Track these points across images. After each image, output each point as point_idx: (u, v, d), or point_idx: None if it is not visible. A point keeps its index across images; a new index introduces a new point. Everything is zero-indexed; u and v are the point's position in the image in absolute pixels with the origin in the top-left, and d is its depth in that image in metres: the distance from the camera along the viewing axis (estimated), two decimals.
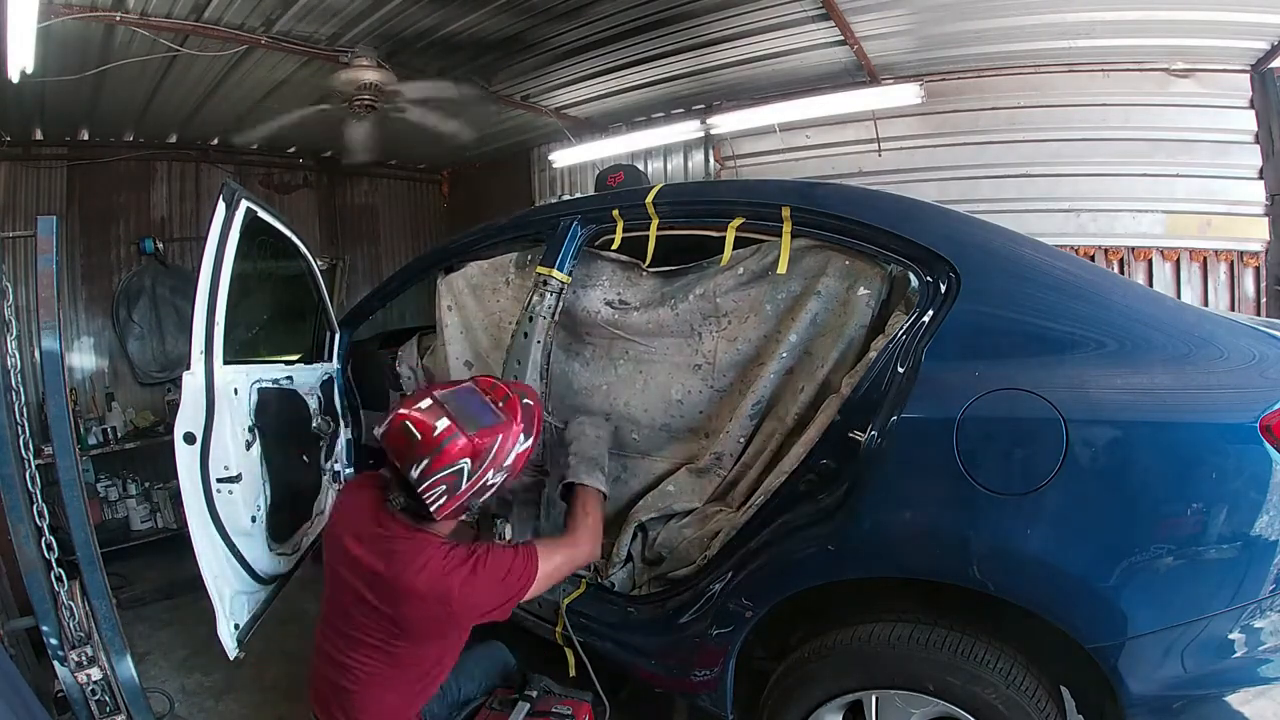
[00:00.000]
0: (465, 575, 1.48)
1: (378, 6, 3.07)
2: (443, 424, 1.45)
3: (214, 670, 2.65)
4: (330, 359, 2.68)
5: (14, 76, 2.55)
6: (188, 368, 1.81)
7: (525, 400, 1.60)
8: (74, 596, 1.79)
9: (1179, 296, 3.46)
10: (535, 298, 2.08)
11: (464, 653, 1.71)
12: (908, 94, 3.63)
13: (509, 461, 1.52)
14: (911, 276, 1.58)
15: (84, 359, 4.61)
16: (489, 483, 1.51)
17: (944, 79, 3.83)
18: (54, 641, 1.75)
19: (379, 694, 1.56)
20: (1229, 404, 1.28)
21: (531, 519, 2.16)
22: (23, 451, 1.79)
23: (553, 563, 1.61)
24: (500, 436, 1.50)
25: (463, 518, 1.70)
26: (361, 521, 1.58)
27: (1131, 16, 3.05)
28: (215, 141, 5.04)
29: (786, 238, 1.78)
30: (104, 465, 4.42)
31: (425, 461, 1.44)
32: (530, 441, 1.58)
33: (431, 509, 1.47)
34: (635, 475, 2.13)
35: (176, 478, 1.82)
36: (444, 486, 1.45)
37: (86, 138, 4.52)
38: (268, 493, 2.08)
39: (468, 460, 1.46)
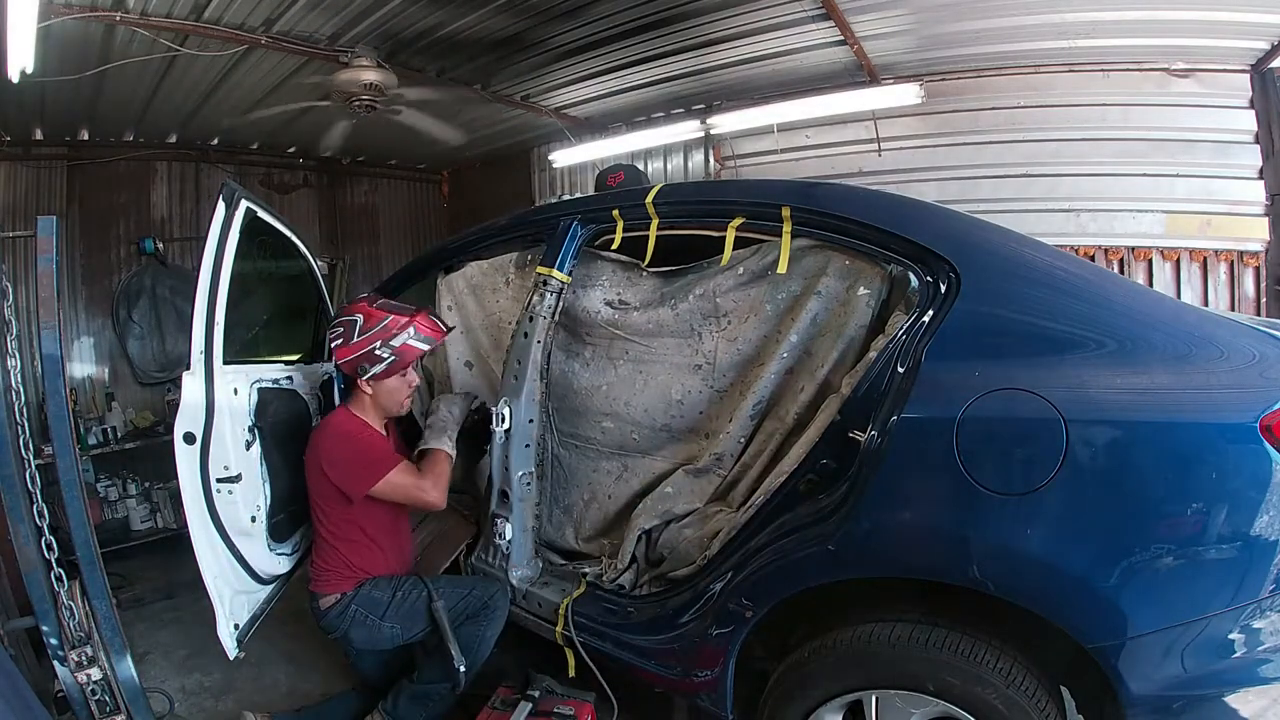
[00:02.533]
0: (334, 437, 2.01)
1: (377, 6, 3.07)
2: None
3: (214, 670, 2.64)
4: (330, 359, 2.68)
5: (14, 76, 2.55)
6: (188, 368, 1.80)
7: (434, 318, 2.09)
8: (74, 596, 1.78)
9: (1179, 296, 3.46)
10: (535, 298, 2.08)
11: (460, 580, 2.18)
12: (908, 94, 3.63)
13: (396, 343, 1.99)
14: (911, 276, 1.58)
15: (84, 359, 4.61)
16: (376, 351, 1.98)
17: (944, 79, 3.83)
18: (54, 641, 1.74)
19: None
20: (1229, 404, 1.28)
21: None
22: (23, 451, 1.79)
23: (404, 480, 1.99)
24: (392, 318, 2.00)
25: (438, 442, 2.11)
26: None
27: (1131, 16, 3.05)
28: (215, 141, 5.05)
29: (786, 238, 1.78)
30: (104, 465, 4.42)
31: (335, 316, 2.10)
32: (423, 345, 2.04)
33: (331, 347, 2.03)
34: (635, 475, 2.13)
35: (176, 478, 1.82)
36: (340, 329, 2.02)
37: (86, 138, 4.52)
38: (268, 493, 2.08)
39: (360, 316, 2.00)
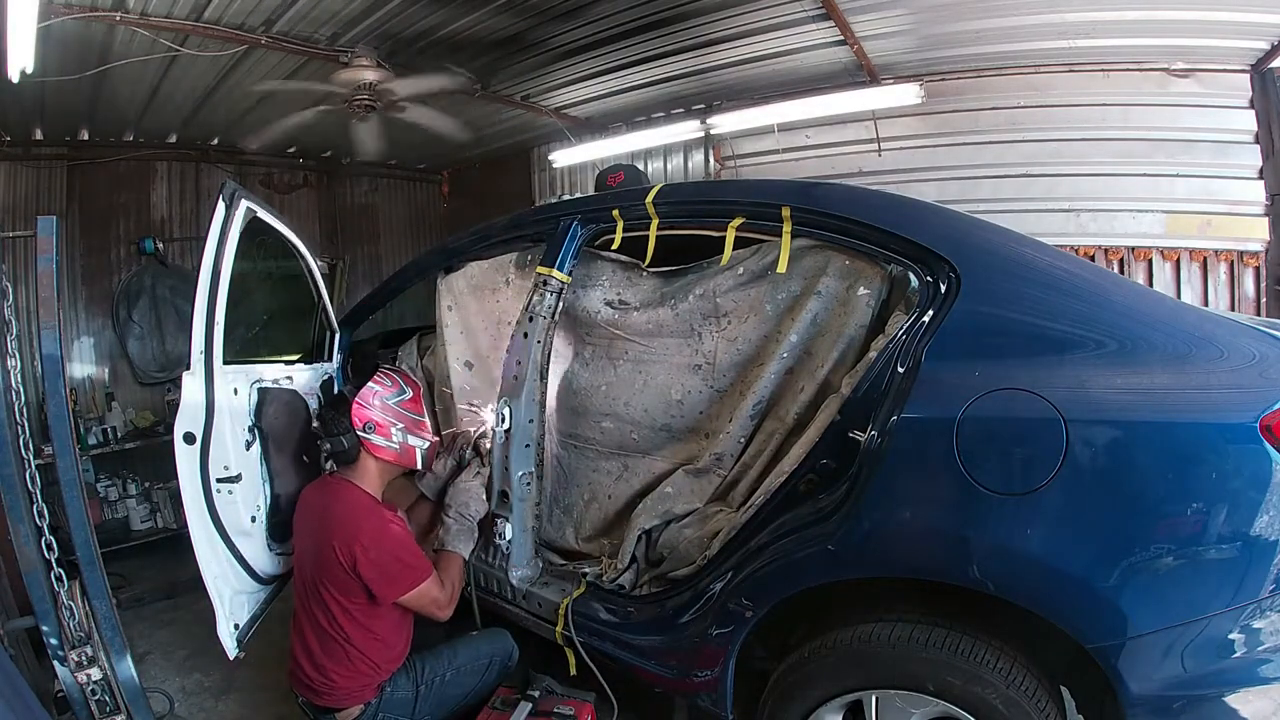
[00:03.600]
0: (375, 524, 1.83)
1: (377, 6, 3.07)
2: None
3: (214, 670, 2.64)
4: (330, 359, 2.68)
5: (14, 76, 2.55)
6: (188, 367, 1.80)
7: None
8: (74, 596, 1.79)
9: (1179, 296, 3.46)
10: (535, 298, 2.08)
11: (461, 640, 2.04)
12: (908, 94, 3.63)
13: (392, 402, 1.99)
14: (911, 276, 1.58)
15: (84, 359, 4.61)
16: (374, 418, 1.95)
17: (944, 79, 3.83)
18: (54, 641, 1.74)
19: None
20: (1229, 404, 1.27)
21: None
22: (23, 451, 1.79)
23: (433, 592, 1.88)
24: (374, 389, 1.98)
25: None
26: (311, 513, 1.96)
27: (1131, 16, 3.05)
28: (215, 141, 5.05)
29: (786, 238, 1.78)
30: (104, 465, 4.42)
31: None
32: (407, 395, 2.04)
33: (370, 419, 1.93)
34: (635, 475, 2.13)
35: (176, 478, 1.82)
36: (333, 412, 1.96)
37: (86, 138, 4.52)
38: (267, 493, 2.08)
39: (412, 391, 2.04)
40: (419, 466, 2.08)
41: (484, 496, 2.15)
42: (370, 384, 1.99)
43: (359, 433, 1.92)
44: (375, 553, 1.79)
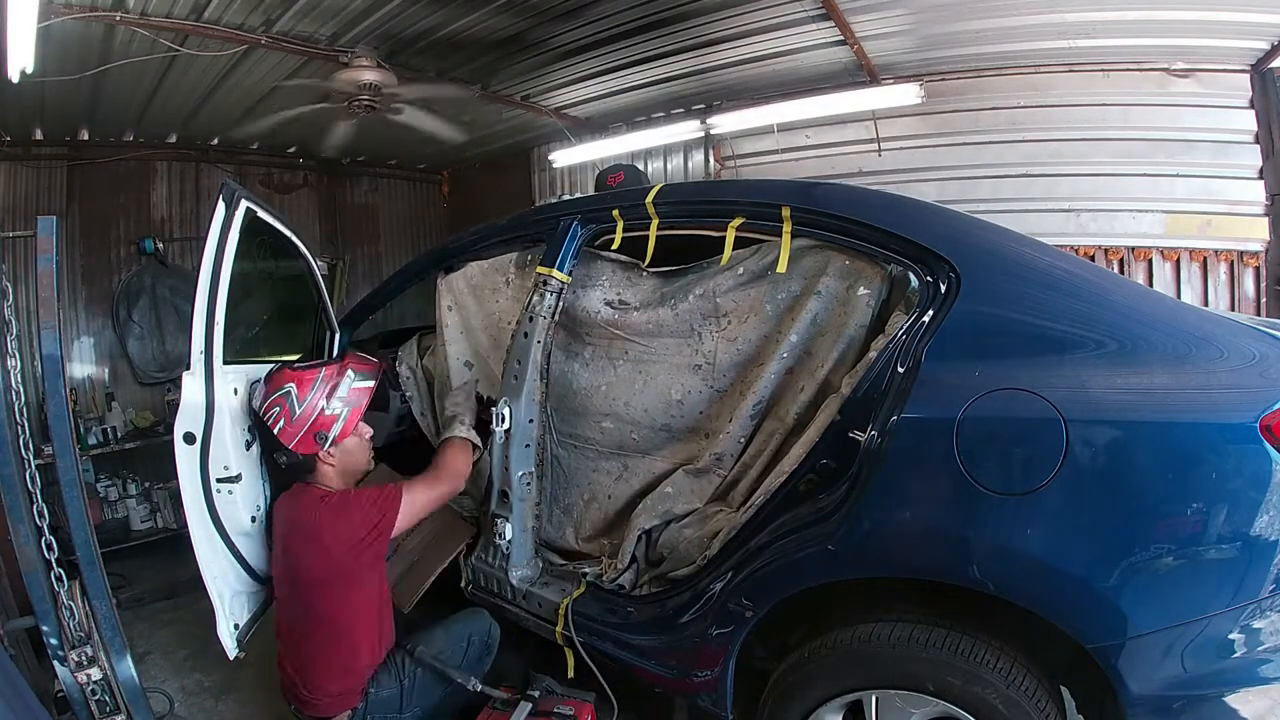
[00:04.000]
0: (334, 508, 1.78)
1: (378, 6, 3.07)
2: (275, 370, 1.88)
3: (214, 670, 2.64)
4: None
5: (14, 76, 2.55)
6: (188, 368, 1.80)
7: (361, 355, 2.01)
8: (74, 596, 1.78)
9: (1179, 296, 3.46)
10: (535, 298, 2.08)
11: (446, 620, 2.04)
12: (908, 94, 3.63)
13: (343, 391, 1.86)
14: (911, 276, 1.58)
15: (84, 359, 4.61)
16: (326, 411, 1.83)
17: (944, 79, 3.83)
18: (54, 641, 1.74)
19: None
20: (1229, 404, 1.28)
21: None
22: (23, 451, 1.79)
23: (415, 500, 1.86)
24: (324, 369, 1.87)
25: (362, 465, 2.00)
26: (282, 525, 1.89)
27: (1131, 16, 3.05)
28: (215, 141, 5.05)
29: (786, 237, 1.78)
30: (104, 465, 4.42)
31: (263, 393, 1.85)
32: (368, 382, 1.92)
33: (275, 431, 1.80)
34: (635, 475, 2.13)
35: (176, 478, 1.82)
36: (276, 408, 1.81)
37: (86, 138, 4.52)
38: (267, 493, 2.08)
39: (291, 385, 1.82)
40: (373, 383, 1.93)
41: (471, 393, 2.22)
42: (270, 424, 1.82)
43: (323, 447, 1.84)
44: (342, 523, 1.75)
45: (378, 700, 1.87)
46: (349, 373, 1.89)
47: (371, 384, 1.93)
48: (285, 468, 1.86)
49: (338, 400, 1.85)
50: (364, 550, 1.78)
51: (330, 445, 1.85)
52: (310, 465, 1.87)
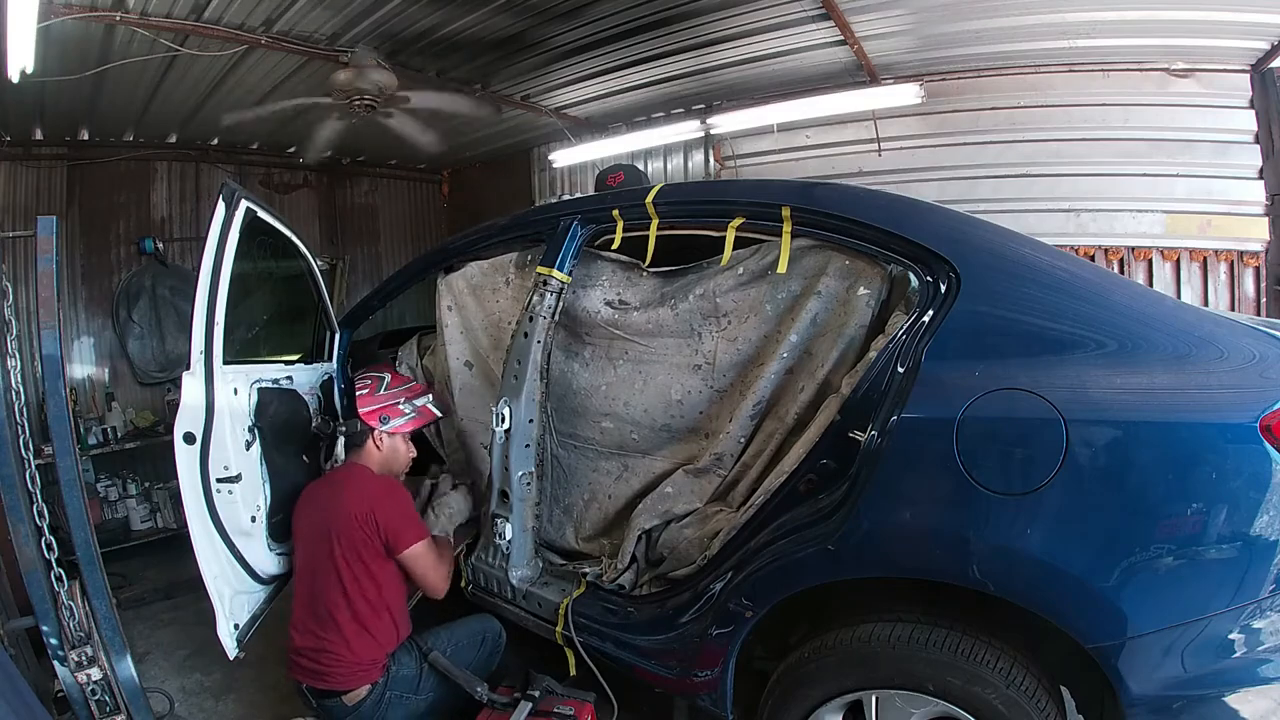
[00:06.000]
0: (390, 485, 2.02)
1: (377, 6, 3.07)
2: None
3: (214, 670, 2.65)
4: (330, 359, 2.68)
5: (14, 76, 2.55)
6: (188, 368, 1.80)
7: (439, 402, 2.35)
8: (74, 596, 1.79)
9: (1179, 296, 3.46)
10: (535, 298, 2.08)
11: (455, 621, 2.14)
12: (908, 94, 3.63)
13: (419, 403, 2.21)
14: (911, 276, 1.58)
15: (84, 359, 4.61)
16: (400, 405, 2.17)
17: (944, 79, 3.83)
18: (54, 641, 1.75)
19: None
20: (1229, 404, 1.27)
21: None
22: (23, 451, 1.79)
23: (432, 552, 1.99)
24: (415, 383, 2.34)
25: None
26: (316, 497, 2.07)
27: (1131, 16, 3.05)
28: (215, 141, 5.05)
29: (786, 238, 1.78)
30: (104, 465, 4.42)
31: (364, 371, 2.33)
32: (436, 411, 2.28)
33: (357, 394, 2.14)
34: (635, 475, 2.13)
35: (176, 478, 1.82)
36: (367, 382, 2.19)
37: (86, 138, 4.52)
38: (267, 493, 2.08)
39: (387, 375, 2.25)
40: (439, 414, 2.30)
41: (465, 505, 2.37)
42: (357, 391, 2.18)
43: (380, 427, 2.11)
44: (390, 502, 1.95)
45: (398, 678, 1.92)
46: (429, 397, 2.28)
47: (438, 414, 2.29)
48: (346, 435, 2.13)
49: (410, 405, 2.19)
50: (396, 528, 1.92)
51: (387, 428, 2.12)
52: (362, 440, 2.12)
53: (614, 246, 2.11)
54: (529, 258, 2.32)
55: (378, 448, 2.12)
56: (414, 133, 3.89)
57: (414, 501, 2.12)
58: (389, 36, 3.39)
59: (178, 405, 1.82)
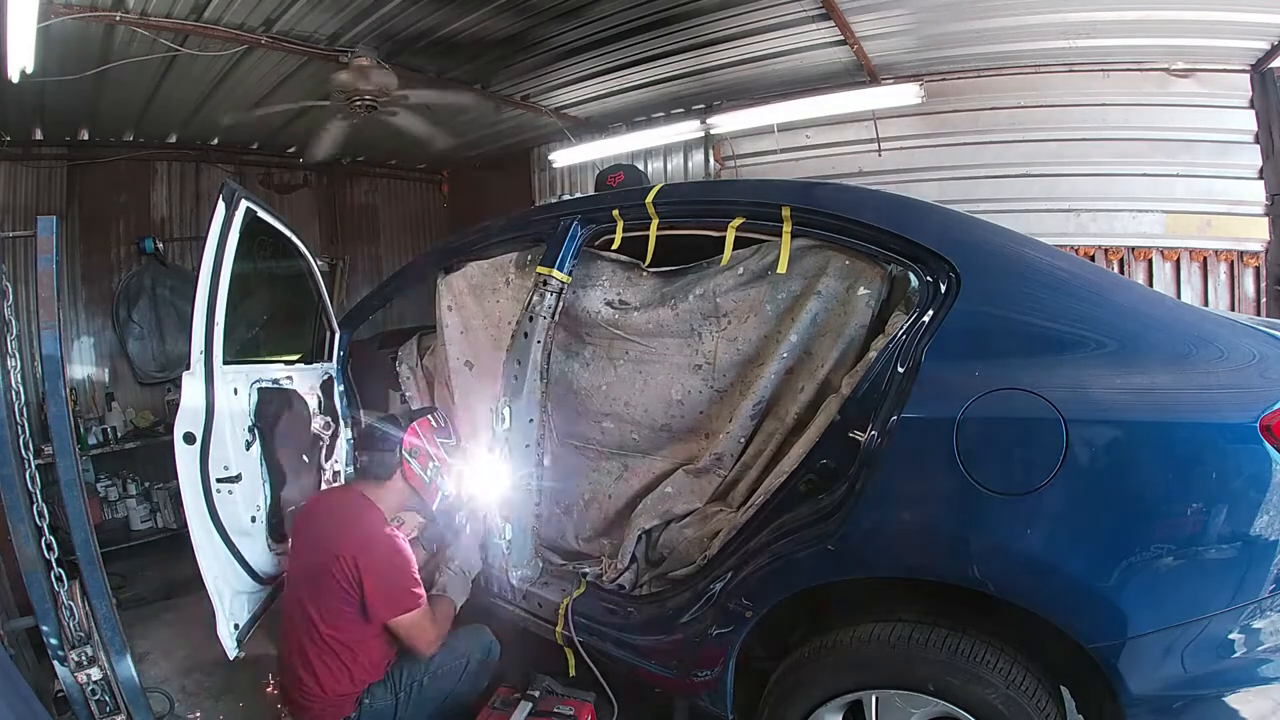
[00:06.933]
0: (389, 542, 1.84)
1: (377, 6, 3.07)
2: None
3: (214, 670, 2.64)
4: (330, 359, 2.68)
5: (14, 76, 2.54)
6: (188, 368, 1.81)
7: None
8: (74, 596, 1.78)
9: (1179, 296, 3.46)
10: (535, 298, 2.08)
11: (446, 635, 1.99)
12: (908, 94, 3.63)
13: (439, 466, 2.09)
14: (911, 276, 1.58)
15: (84, 359, 4.60)
16: (430, 454, 2.06)
17: (944, 79, 3.83)
18: (54, 641, 1.74)
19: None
20: (1229, 404, 1.27)
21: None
22: (23, 451, 1.79)
23: (424, 623, 1.86)
24: (448, 451, 2.15)
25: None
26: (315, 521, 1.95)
27: (1131, 16, 3.04)
28: (215, 141, 5.04)
29: (786, 238, 1.78)
30: (104, 465, 4.42)
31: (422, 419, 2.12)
32: (451, 441, 2.18)
33: (407, 428, 2.02)
34: (635, 475, 2.13)
35: (176, 478, 1.82)
36: (422, 438, 2.05)
37: (86, 138, 4.52)
38: (267, 493, 2.08)
39: (433, 429, 2.12)
40: (434, 508, 2.13)
41: (480, 555, 2.22)
42: (427, 418, 2.10)
43: (404, 453, 1.97)
44: (384, 569, 1.79)
45: (371, 711, 1.85)
46: (459, 471, 2.20)
47: (450, 496, 2.17)
48: (362, 465, 2.03)
49: (435, 461, 2.08)
50: (380, 602, 1.79)
51: (410, 460, 2.00)
52: (389, 473, 1.98)
53: (614, 247, 2.11)
54: (529, 258, 2.31)
55: (398, 486, 1.98)
56: (419, 129, 3.89)
57: (417, 562, 1.93)
58: (389, 36, 3.39)
59: (178, 405, 1.82)
